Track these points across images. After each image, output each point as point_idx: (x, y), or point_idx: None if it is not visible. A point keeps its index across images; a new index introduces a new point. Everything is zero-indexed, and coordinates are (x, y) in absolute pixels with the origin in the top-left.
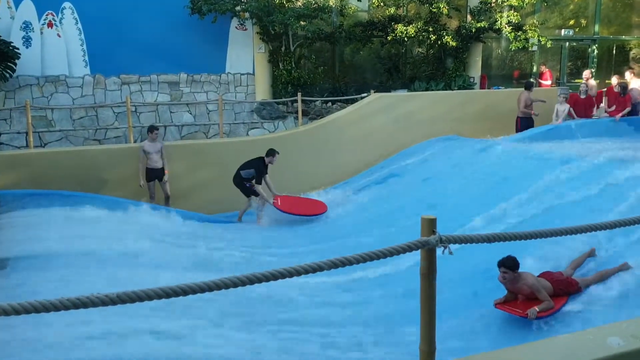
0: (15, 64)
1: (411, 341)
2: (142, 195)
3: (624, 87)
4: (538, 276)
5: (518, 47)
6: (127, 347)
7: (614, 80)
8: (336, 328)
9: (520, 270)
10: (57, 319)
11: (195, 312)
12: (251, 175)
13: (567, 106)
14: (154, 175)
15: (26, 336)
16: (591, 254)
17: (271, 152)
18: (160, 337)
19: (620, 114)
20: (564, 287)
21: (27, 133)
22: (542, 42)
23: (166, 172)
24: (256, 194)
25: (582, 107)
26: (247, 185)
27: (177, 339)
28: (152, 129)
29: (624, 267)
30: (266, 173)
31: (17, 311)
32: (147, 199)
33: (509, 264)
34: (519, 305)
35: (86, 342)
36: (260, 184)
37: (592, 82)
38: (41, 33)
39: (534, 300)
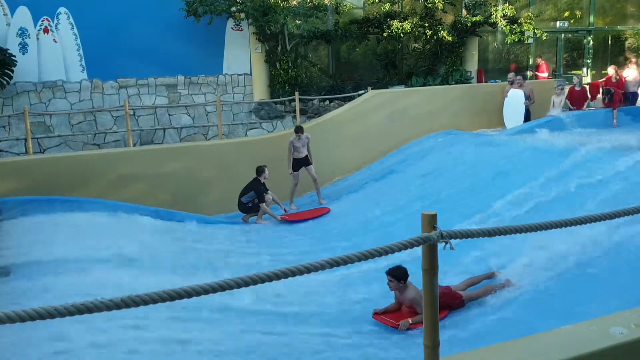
0: (12, 71)
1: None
2: (145, 199)
3: (609, 92)
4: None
5: (514, 40)
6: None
7: (611, 70)
8: (336, 325)
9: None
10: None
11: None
12: (252, 198)
13: (563, 97)
14: (299, 164)
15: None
16: (490, 276)
17: (260, 169)
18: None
19: (615, 120)
20: (448, 300)
21: (25, 139)
22: (538, 35)
23: (311, 160)
24: (262, 201)
25: (577, 98)
26: (250, 205)
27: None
28: (299, 129)
29: (507, 284)
30: (267, 190)
31: (22, 318)
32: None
33: (394, 273)
34: (401, 315)
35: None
36: (263, 202)
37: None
38: (37, 39)
39: (414, 313)
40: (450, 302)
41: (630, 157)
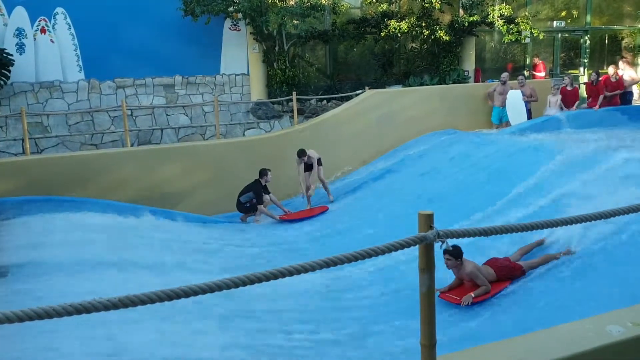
0: (10, 71)
1: (410, 335)
2: (143, 199)
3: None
4: (484, 263)
5: (511, 40)
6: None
7: (611, 70)
8: (333, 324)
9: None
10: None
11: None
12: (250, 198)
13: (559, 97)
14: (307, 168)
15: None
16: (540, 243)
17: (263, 172)
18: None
19: (597, 105)
20: (508, 272)
21: (23, 140)
22: (535, 34)
23: (321, 180)
24: (261, 202)
25: (568, 98)
26: (248, 205)
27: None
28: (301, 153)
29: (568, 253)
30: (269, 192)
31: (20, 318)
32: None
33: (452, 252)
34: (464, 291)
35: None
36: (261, 204)
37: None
38: (34, 39)
39: (477, 286)
40: (511, 274)
41: (626, 155)
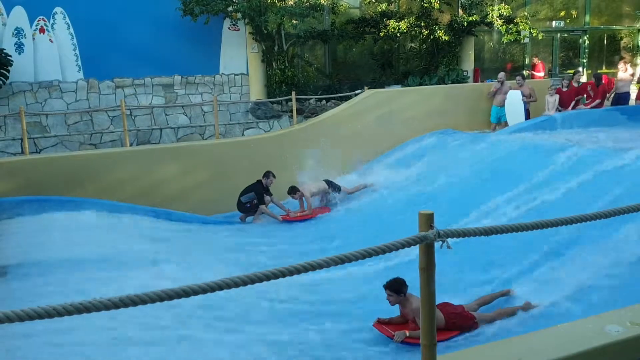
0: (8, 71)
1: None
2: (142, 199)
3: (597, 78)
4: (436, 306)
5: (510, 40)
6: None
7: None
8: (331, 324)
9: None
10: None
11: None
12: (251, 199)
13: (557, 97)
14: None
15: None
16: (505, 294)
17: (266, 174)
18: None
19: (589, 105)
20: (458, 321)
21: (22, 139)
22: (534, 34)
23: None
24: (262, 203)
25: (564, 98)
26: (248, 205)
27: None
28: (291, 190)
29: (527, 307)
30: (270, 194)
31: (20, 318)
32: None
33: (393, 287)
34: (406, 329)
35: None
36: (262, 204)
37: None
38: (33, 39)
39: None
40: (462, 323)
41: (625, 155)
